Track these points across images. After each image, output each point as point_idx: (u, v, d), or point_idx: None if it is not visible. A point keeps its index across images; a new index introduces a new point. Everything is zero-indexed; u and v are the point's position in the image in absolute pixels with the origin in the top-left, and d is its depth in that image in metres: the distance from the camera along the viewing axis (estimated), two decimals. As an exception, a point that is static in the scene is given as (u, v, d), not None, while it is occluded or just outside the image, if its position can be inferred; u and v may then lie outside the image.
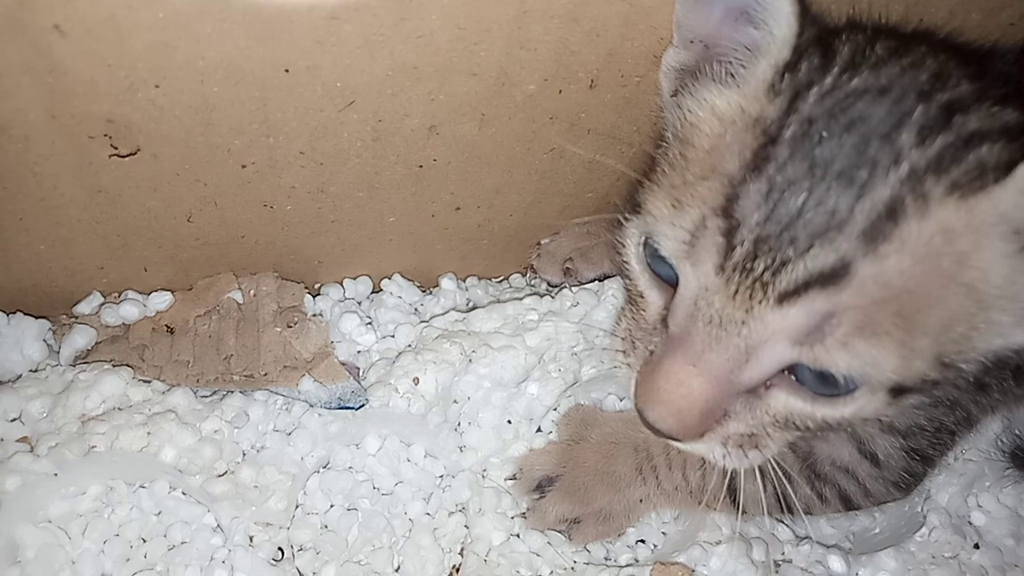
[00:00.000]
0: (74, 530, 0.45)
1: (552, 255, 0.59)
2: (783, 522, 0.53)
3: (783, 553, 0.52)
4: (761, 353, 0.34)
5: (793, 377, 0.35)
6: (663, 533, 0.53)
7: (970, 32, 0.45)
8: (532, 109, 0.46)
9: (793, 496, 0.46)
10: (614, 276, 0.57)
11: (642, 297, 0.39)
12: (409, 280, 0.59)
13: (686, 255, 0.34)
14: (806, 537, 0.53)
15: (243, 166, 0.45)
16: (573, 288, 0.56)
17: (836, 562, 0.52)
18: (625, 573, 0.50)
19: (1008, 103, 0.33)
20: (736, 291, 0.33)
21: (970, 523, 0.56)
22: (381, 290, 0.59)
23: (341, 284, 0.58)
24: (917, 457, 0.47)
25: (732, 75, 0.37)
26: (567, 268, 0.59)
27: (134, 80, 0.38)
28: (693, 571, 0.49)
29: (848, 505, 0.49)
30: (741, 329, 0.33)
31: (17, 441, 0.45)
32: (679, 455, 0.49)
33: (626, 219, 0.40)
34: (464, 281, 0.61)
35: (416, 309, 0.59)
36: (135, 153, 0.42)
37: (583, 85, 0.45)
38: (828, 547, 0.53)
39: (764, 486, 0.47)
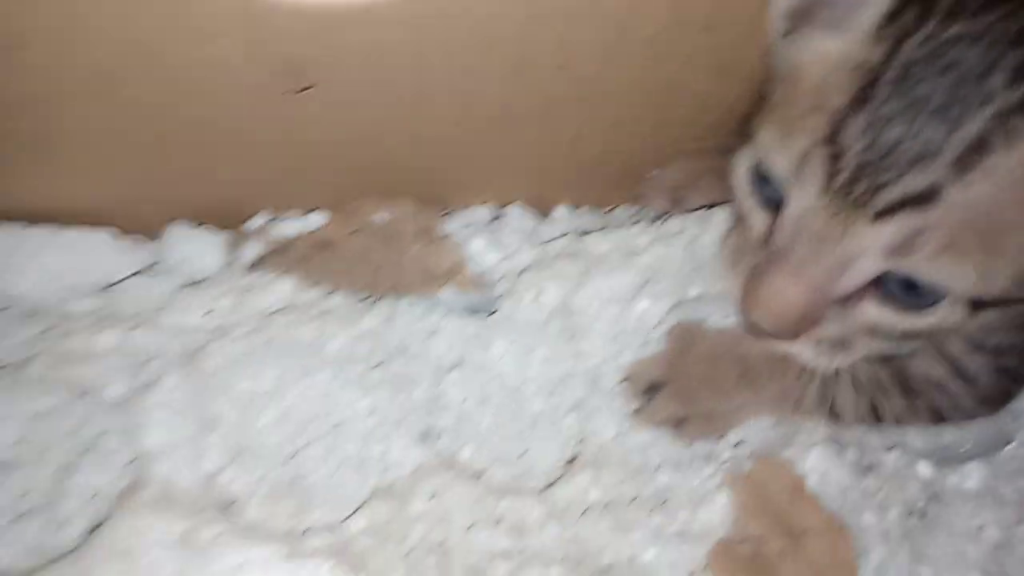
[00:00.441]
0: (256, 406, 0.52)
1: (661, 185, 0.63)
2: (873, 431, 0.57)
3: (875, 457, 0.55)
4: (855, 265, 0.38)
5: (882, 290, 0.39)
6: (762, 435, 0.57)
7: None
8: (650, 50, 0.50)
9: (886, 406, 0.51)
10: (720, 204, 0.60)
11: (748, 217, 0.44)
12: (528, 207, 0.64)
13: (794, 178, 0.39)
14: (895, 446, 0.57)
15: (400, 99, 0.50)
16: (681, 215, 0.60)
17: (924, 468, 0.55)
18: (727, 466, 0.54)
19: None
20: (837, 210, 0.37)
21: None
22: (502, 216, 0.64)
23: (469, 209, 0.63)
24: (1007, 375, 0.50)
25: (840, 19, 0.40)
26: (675, 198, 0.63)
27: (318, 24, 0.43)
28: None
29: (938, 418, 0.52)
30: (839, 243, 0.38)
31: (211, 331, 0.51)
32: (779, 366, 0.53)
33: (738, 147, 0.44)
34: (577, 209, 0.66)
35: (534, 233, 0.64)
36: (310, 88, 0.48)
37: (699, 27, 0.48)
38: (917, 454, 0.56)
39: (859, 396, 0.51)
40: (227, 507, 0.48)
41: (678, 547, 0.51)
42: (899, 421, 0.52)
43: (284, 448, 0.51)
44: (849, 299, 0.40)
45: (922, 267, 0.36)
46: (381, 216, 0.59)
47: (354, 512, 0.49)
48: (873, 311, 0.40)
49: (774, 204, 0.41)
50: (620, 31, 0.49)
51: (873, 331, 0.41)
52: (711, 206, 0.61)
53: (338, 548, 0.47)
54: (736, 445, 0.56)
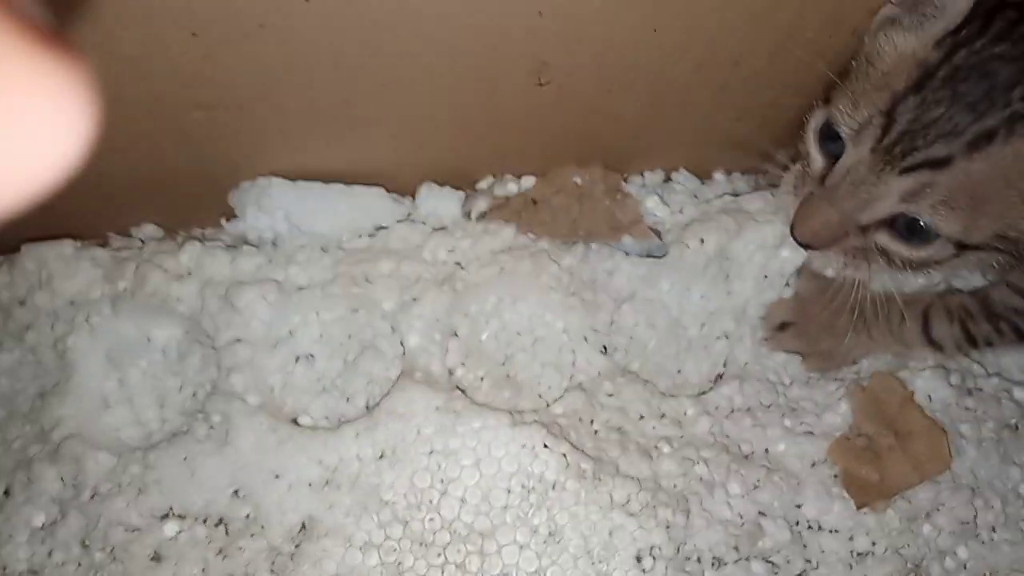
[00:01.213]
0: (482, 322, 0.66)
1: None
2: (977, 362, 0.64)
3: (976, 383, 0.63)
4: (879, 203, 0.49)
5: (893, 226, 0.50)
6: (878, 363, 0.66)
7: None
8: (809, 55, 0.58)
9: (975, 331, 0.60)
10: None
11: (811, 160, 0.55)
12: (692, 173, 0.74)
13: (854, 137, 0.50)
14: (996, 373, 0.63)
15: (610, 93, 0.61)
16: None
17: (1019, 392, 0.62)
18: (848, 381, 0.63)
19: None
20: (877, 163, 0.48)
21: None
22: (671, 179, 0.74)
23: (642, 174, 0.74)
24: None
25: (918, 26, 0.50)
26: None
27: (563, 36, 0.55)
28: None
29: (1020, 337, 0.60)
30: (873, 186, 0.49)
31: (455, 263, 0.66)
32: (885, 311, 0.61)
33: (817, 106, 0.55)
34: (730, 175, 0.75)
35: (696, 194, 0.74)
36: (549, 83, 0.59)
37: (844, 31, 0.56)
38: (1014, 382, 0.62)
39: (952, 324, 0.59)
40: (465, 392, 0.63)
41: (805, 442, 0.61)
42: (989, 343, 0.61)
43: (500, 353, 0.66)
44: (868, 228, 0.51)
45: (924, 211, 0.48)
46: (578, 179, 0.71)
47: (555, 400, 0.63)
48: (883, 239, 0.51)
49: (832, 154, 0.52)
50: (787, 34, 0.57)
51: (883, 253, 0.52)
52: None
53: (547, 423, 0.60)
54: (858, 370, 0.65)
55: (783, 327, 0.65)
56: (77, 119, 0.14)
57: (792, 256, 0.67)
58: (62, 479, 0.58)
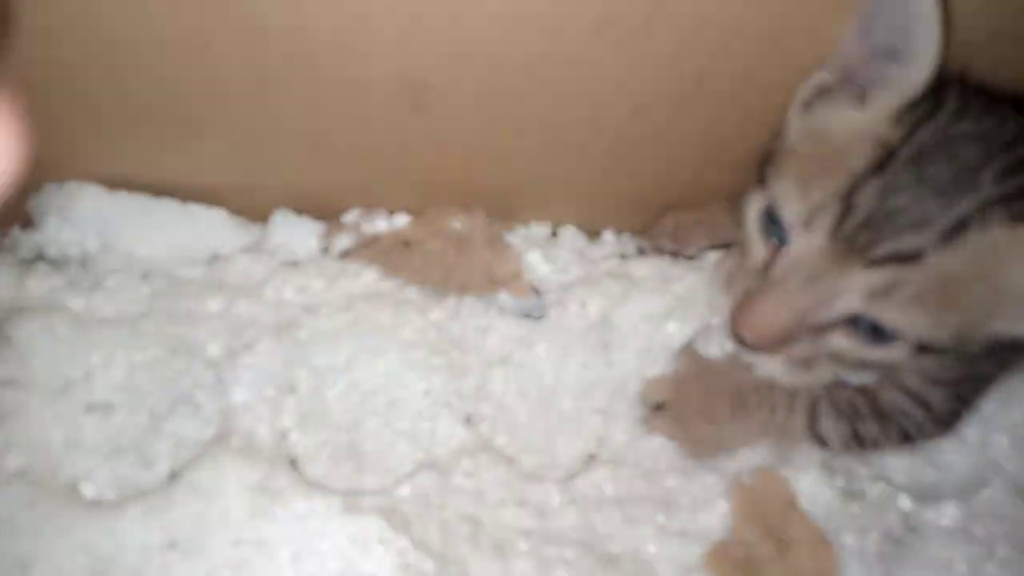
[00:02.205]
0: (330, 378, 0.52)
1: (666, 230, 0.61)
2: (862, 464, 0.55)
3: (861, 486, 0.54)
4: (839, 301, 0.39)
5: (851, 325, 0.40)
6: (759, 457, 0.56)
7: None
8: (719, 107, 0.49)
9: (863, 431, 0.51)
10: (712, 248, 0.59)
11: (750, 248, 0.44)
12: (580, 229, 0.63)
13: (803, 224, 0.40)
14: (880, 478, 0.55)
15: (494, 131, 0.49)
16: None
17: (904, 500, 0.53)
18: (728, 473, 0.53)
19: None
20: (836, 253, 0.38)
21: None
22: (556, 235, 0.63)
23: (527, 225, 0.62)
24: (958, 400, 0.51)
25: (864, 98, 0.41)
26: (677, 241, 0.61)
27: (447, 57, 0.42)
28: (784, 486, 0.52)
29: (906, 439, 0.52)
30: (831, 281, 0.39)
31: (302, 307, 0.51)
32: (768, 398, 0.52)
33: (753, 189, 0.44)
34: (620, 235, 0.65)
35: (582, 253, 0.62)
36: (423, 109, 0.46)
37: (763, 89, 0.47)
38: (899, 488, 0.54)
39: (839, 422, 0.51)
40: (295, 463, 0.48)
41: (678, 544, 0.50)
42: (876, 444, 0.52)
43: (347, 416, 0.51)
44: (822, 328, 0.41)
45: (891, 312, 0.38)
46: (457, 223, 0.58)
47: (403, 480, 0.49)
48: (841, 341, 0.41)
49: (775, 241, 0.42)
50: (697, 85, 0.47)
51: (835, 357, 0.42)
52: (708, 249, 0.60)
53: (387, 509, 0.46)
54: (738, 462, 0.55)
55: (659, 408, 0.54)
56: (8, 143, 0.15)
57: (679, 330, 0.57)
58: None
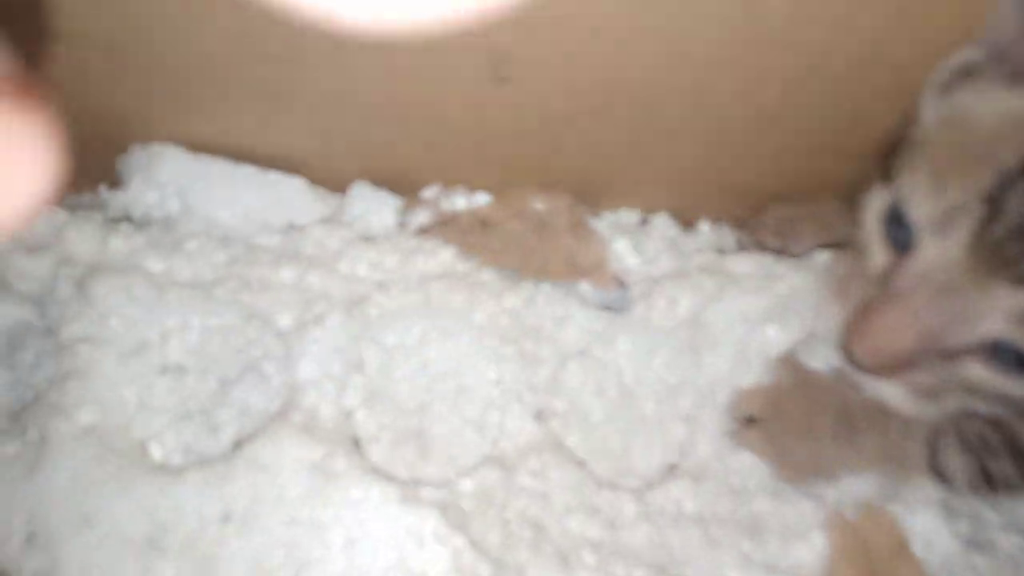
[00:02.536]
0: (399, 357, 0.50)
1: (771, 224, 0.55)
2: (991, 508, 0.48)
3: (988, 536, 0.47)
4: (978, 324, 0.32)
5: (991, 352, 0.33)
6: (865, 486, 0.50)
7: None
8: (836, 91, 0.43)
9: (995, 470, 0.44)
10: (822, 247, 0.53)
11: (869, 252, 0.37)
12: (673, 218, 0.58)
13: (936, 228, 0.33)
14: (1014, 526, 0.48)
15: (581, 107, 0.45)
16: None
17: (1040, 553, 0.46)
18: (828, 501, 0.48)
19: None
20: (976, 266, 0.31)
21: None
22: (647, 222, 0.58)
23: (616, 211, 0.58)
24: None
25: (1016, 80, 0.34)
26: (782, 236, 0.55)
27: (526, 23, 0.39)
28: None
29: None
30: (969, 299, 0.32)
31: (374, 283, 0.49)
32: (880, 420, 0.46)
33: (874, 184, 0.38)
34: (718, 226, 0.59)
35: (675, 243, 0.58)
36: (505, 80, 0.44)
37: (890, 67, 0.41)
38: (1034, 538, 0.47)
39: (966, 457, 0.44)
40: (357, 443, 0.46)
41: (763, 576, 0.45)
42: (1010, 487, 0.45)
43: (414, 399, 0.49)
44: (954, 353, 0.34)
45: None
46: (539, 205, 0.55)
47: (466, 473, 0.46)
48: (977, 370, 0.34)
49: (901, 244, 0.35)
50: (813, 61, 0.42)
51: (968, 388, 0.35)
52: (818, 247, 0.54)
53: (447, 503, 0.44)
54: (839, 490, 0.50)
55: (751, 421, 0.49)
56: (46, 161, 0.14)
57: (779, 336, 0.51)
58: None
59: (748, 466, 0.49)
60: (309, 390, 0.46)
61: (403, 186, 0.54)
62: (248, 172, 0.50)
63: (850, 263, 0.39)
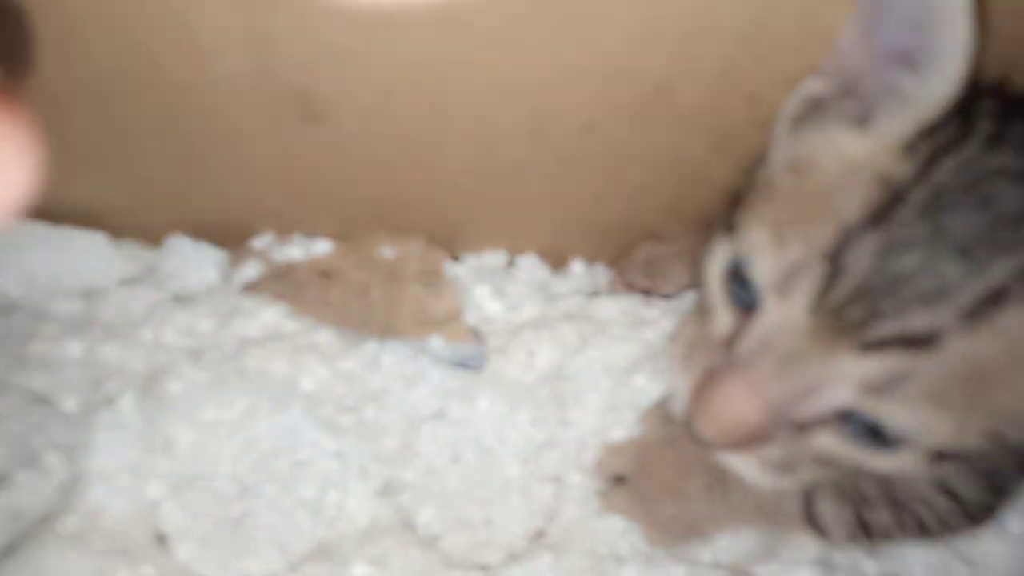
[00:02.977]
0: (220, 434, 0.44)
1: (638, 264, 0.52)
2: (871, 557, 0.46)
3: (867, 590, 0.44)
4: (825, 393, 0.29)
5: (842, 423, 0.30)
6: (743, 545, 0.47)
7: None
8: (688, 119, 0.40)
9: (872, 519, 0.41)
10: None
11: (713, 313, 0.34)
12: (542, 259, 0.55)
13: (777, 289, 0.30)
14: (894, 574, 0.45)
15: (414, 143, 0.41)
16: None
17: (921, 608, 0.43)
18: (703, 566, 0.44)
19: None
20: (821, 332, 0.28)
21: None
22: (514, 265, 0.54)
23: (479, 254, 0.54)
24: (992, 492, 0.41)
25: (866, 119, 0.31)
26: (650, 277, 0.52)
27: (328, 57, 0.35)
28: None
29: (925, 533, 0.42)
30: (814, 367, 0.29)
31: (184, 352, 0.44)
32: None
33: (717, 236, 0.34)
34: (592, 265, 0.56)
35: (544, 287, 0.54)
36: (318, 118, 0.39)
37: (742, 100, 0.38)
38: (917, 593, 0.44)
39: (843, 508, 0.41)
40: (159, 542, 0.40)
41: (630, 662, 0.41)
42: (887, 536, 0.42)
43: (238, 483, 0.44)
44: (805, 425, 0.31)
45: (895, 412, 0.28)
46: (387, 251, 0.50)
47: (293, 568, 0.41)
48: (828, 442, 0.31)
49: (745, 306, 0.32)
50: (658, 95, 0.39)
51: (823, 461, 0.32)
52: (689, 288, 0.51)
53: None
54: (714, 551, 0.46)
55: (619, 480, 0.46)
56: (28, 163, 0.15)
57: (649, 385, 0.48)
58: None
59: (618, 530, 0.45)
60: (99, 483, 0.40)
61: (230, 237, 0.49)
62: (36, 229, 0.44)
63: (696, 326, 0.35)
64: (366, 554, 0.41)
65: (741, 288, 0.32)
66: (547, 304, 0.51)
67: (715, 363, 0.32)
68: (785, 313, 0.29)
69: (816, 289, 0.28)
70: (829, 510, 0.42)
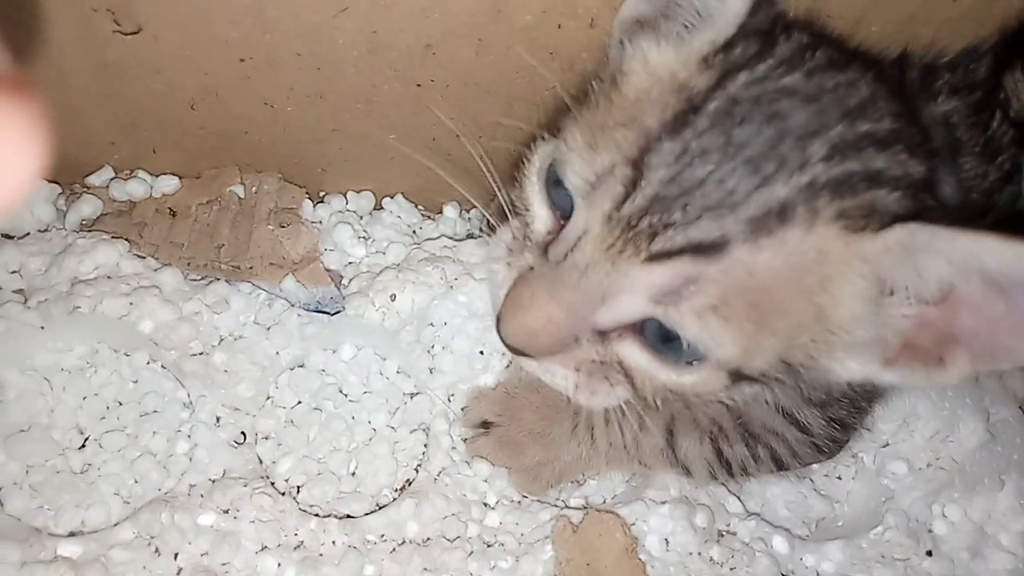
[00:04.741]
0: (56, 382, 0.45)
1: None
2: (734, 494, 0.49)
3: (728, 524, 0.48)
4: (618, 302, 0.33)
5: (640, 332, 0.34)
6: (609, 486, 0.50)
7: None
8: (531, 42, 0.42)
9: (730, 453, 0.46)
10: None
11: (532, 214, 0.37)
12: (412, 203, 0.56)
13: (586, 194, 0.33)
14: (755, 514, 0.49)
15: (241, 60, 0.42)
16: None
17: (780, 543, 0.48)
18: (563, 514, 0.47)
19: (917, 153, 0.32)
20: (611, 243, 0.32)
21: (929, 530, 0.51)
22: (383, 208, 0.56)
23: (344, 195, 0.55)
24: (837, 425, 0.46)
25: (675, 35, 0.35)
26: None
27: None
28: (632, 524, 0.46)
29: (779, 465, 0.48)
30: (604, 278, 0.32)
31: (13, 292, 0.44)
32: (617, 416, 0.45)
33: (543, 138, 0.38)
34: (468, 212, 0.57)
35: (414, 232, 0.55)
36: (136, 32, 0.39)
37: (583, 23, 0.40)
38: (775, 527, 0.48)
39: (701, 444, 0.46)
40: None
41: (488, 601, 0.44)
42: (745, 471, 0.48)
43: (79, 433, 0.44)
44: (609, 333, 0.35)
45: (686, 321, 0.32)
46: (238, 189, 0.51)
47: (128, 517, 0.42)
48: (629, 352, 0.35)
49: (562, 210, 0.35)
50: (494, 13, 0.40)
51: (630, 375, 0.35)
52: None
53: (90, 559, 0.39)
54: (584, 494, 0.49)
55: (485, 427, 0.48)
56: (35, 150, 0.16)
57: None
58: None
59: (487, 476, 0.48)
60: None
61: (65, 172, 0.48)
62: None
63: (520, 228, 0.37)
64: (215, 502, 0.42)
65: (560, 193, 0.35)
66: (414, 248, 0.52)
67: (528, 268, 0.35)
68: (589, 219, 0.32)
69: (617, 196, 0.31)
70: (690, 448, 0.46)
